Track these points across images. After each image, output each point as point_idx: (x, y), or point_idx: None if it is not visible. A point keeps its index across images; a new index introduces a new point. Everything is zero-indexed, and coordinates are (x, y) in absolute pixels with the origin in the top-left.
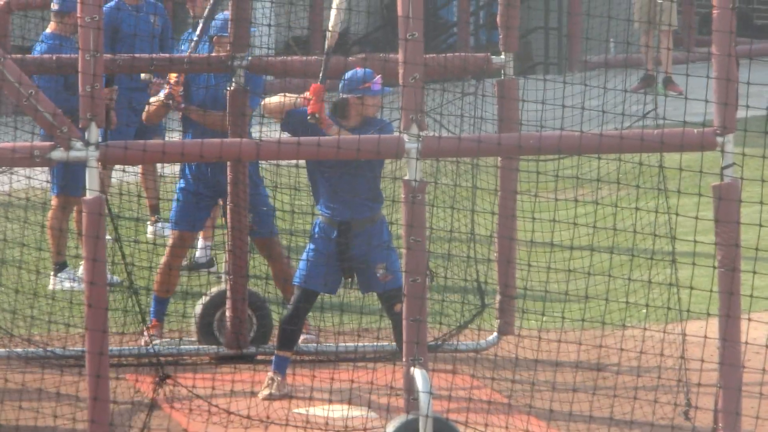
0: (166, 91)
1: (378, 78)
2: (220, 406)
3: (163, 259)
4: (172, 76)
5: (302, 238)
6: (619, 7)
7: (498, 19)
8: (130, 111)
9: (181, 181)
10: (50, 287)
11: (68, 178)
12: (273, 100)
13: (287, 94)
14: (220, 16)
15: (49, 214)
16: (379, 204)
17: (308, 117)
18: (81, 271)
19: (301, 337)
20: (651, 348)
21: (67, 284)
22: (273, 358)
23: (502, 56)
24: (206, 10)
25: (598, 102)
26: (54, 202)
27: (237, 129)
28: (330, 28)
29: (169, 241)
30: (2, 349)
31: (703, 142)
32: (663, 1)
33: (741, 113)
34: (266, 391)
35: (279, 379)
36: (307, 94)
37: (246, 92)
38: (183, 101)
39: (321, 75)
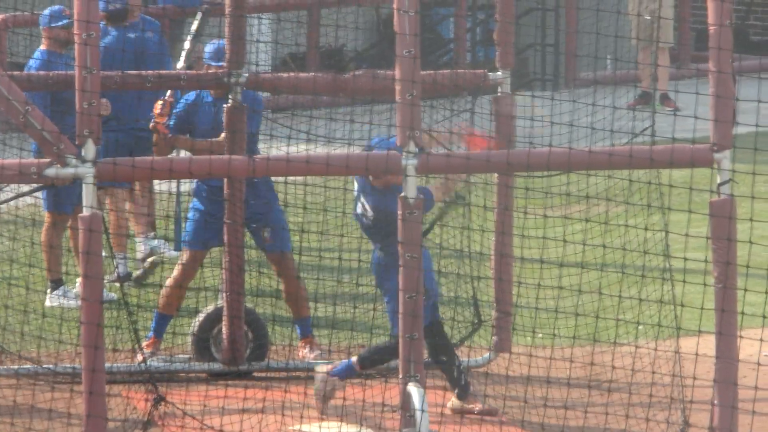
0: (151, 124)
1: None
2: (216, 424)
3: (171, 277)
4: (158, 105)
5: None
6: (617, 24)
7: (495, 35)
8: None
9: (195, 200)
10: (47, 304)
11: (60, 195)
12: None
13: None
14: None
15: (42, 231)
16: None
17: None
18: (78, 288)
19: (312, 354)
20: (649, 365)
21: (64, 301)
22: (344, 363)
23: (499, 73)
24: (195, 25)
25: (595, 119)
26: (47, 218)
27: (235, 147)
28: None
29: (181, 259)
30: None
31: (699, 158)
32: (660, 19)
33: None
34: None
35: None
36: None
37: (244, 109)
38: (170, 132)
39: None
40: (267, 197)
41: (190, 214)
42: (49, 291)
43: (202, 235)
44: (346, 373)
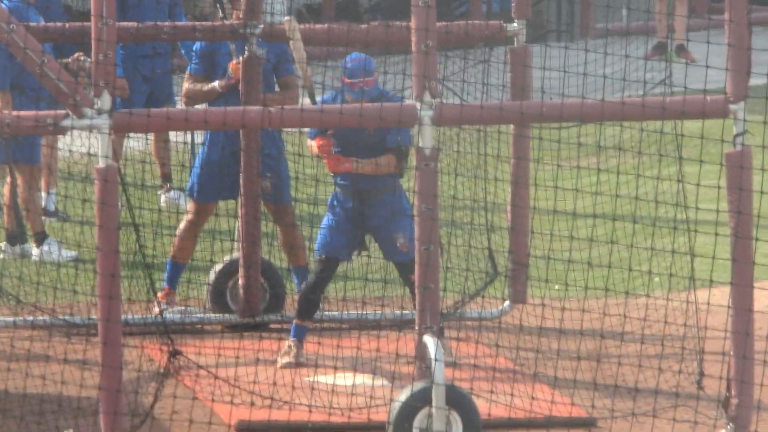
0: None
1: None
2: (231, 375)
3: (182, 225)
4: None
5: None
6: None
7: None
8: (139, 79)
9: (205, 149)
10: (35, 259)
11: (24, 146)
12: None
13: None
14: None
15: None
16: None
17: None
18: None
19: None
20: (670, 317)
21: (54, 255)
22: (292, 325)
23: (515, 24)
24: None
25: (612, 69)
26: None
27: (250, 98)
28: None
29: (192, 208)
30: (10, 318)
31: (713, 109)
32: None
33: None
34: (285, 359)
35: (297, 348)
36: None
37: (260, 60)
38: (193, 72)
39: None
40: (278, 147)
41: (198, 164)
42: (35, 246)
43: (212, 185)
44: (299, 333)
